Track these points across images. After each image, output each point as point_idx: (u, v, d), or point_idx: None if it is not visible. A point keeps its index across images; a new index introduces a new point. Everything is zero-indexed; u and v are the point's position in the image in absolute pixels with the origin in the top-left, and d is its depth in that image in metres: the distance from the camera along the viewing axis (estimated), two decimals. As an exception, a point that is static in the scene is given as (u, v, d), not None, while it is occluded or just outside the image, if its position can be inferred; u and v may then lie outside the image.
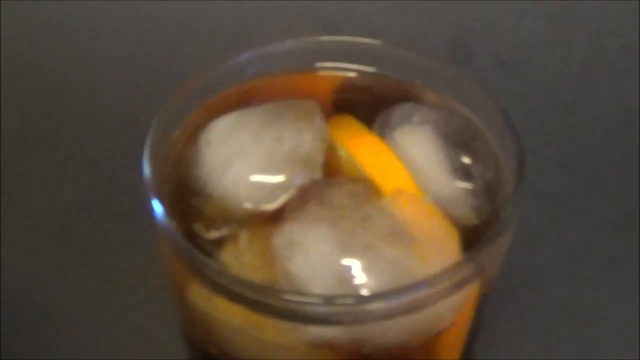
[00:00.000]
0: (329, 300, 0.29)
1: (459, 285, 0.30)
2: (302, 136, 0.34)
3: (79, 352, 0.47)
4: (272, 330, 0.31)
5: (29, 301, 0.51)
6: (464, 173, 0.35)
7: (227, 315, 0.31)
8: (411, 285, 0.29)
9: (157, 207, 0.32)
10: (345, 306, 0.29)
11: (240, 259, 0.32)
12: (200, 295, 0.32)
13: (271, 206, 0.33)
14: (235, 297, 0.30)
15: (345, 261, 0.30)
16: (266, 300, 0.29)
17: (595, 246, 0.53)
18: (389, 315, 0.29)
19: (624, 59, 0.63)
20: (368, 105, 0.38)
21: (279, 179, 0.33)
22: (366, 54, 0.40)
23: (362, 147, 0.35)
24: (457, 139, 0.35)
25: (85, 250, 0.53)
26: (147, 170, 0.33)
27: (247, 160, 0.34)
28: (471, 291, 0.32)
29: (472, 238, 0.32)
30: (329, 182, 0.33)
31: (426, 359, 0.33)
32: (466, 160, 0.35)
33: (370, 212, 0.31)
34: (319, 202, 0.31)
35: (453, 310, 0.31)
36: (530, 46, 0.64)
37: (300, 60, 0.40)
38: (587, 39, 0.64)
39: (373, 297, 0.29)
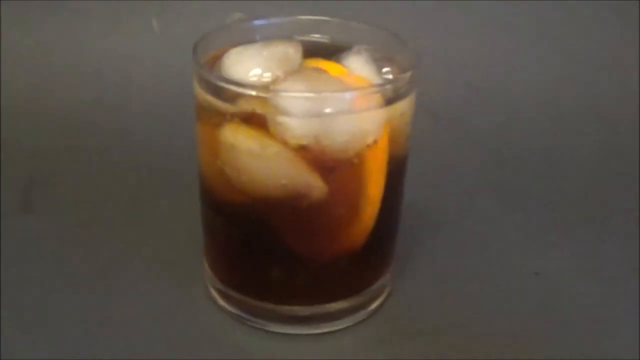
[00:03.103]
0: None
1: (377, 102, 0.53)
2: (287, 49, 0.57)
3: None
4: (274, 146, 0.53)
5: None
6: (386, 73, 0.59)
7: (245, 142, 0.54)
8: (349, 87, 0.53)
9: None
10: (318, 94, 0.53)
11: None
12: (229, 130, 0.55)
13: (269, 78, 0.55)
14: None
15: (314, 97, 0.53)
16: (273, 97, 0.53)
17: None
18: (335, 111, 0.53)
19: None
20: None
21: (273, 67, 0.56)
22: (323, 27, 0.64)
23: (322, 64, 0.59)
24: (380, 58, 0.59)
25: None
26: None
27: (253, 62, 0.56)
28: (384, 121, 0.55)
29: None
30: (303, 67, 0.57)
31: (362, 178, 0.55)
32: (386, 67, 0.59)
33: (327, 76, 0.55)
34: (297, 72, 0.55)
35: (374, 127, 0.54)
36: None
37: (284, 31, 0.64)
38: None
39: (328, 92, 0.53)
